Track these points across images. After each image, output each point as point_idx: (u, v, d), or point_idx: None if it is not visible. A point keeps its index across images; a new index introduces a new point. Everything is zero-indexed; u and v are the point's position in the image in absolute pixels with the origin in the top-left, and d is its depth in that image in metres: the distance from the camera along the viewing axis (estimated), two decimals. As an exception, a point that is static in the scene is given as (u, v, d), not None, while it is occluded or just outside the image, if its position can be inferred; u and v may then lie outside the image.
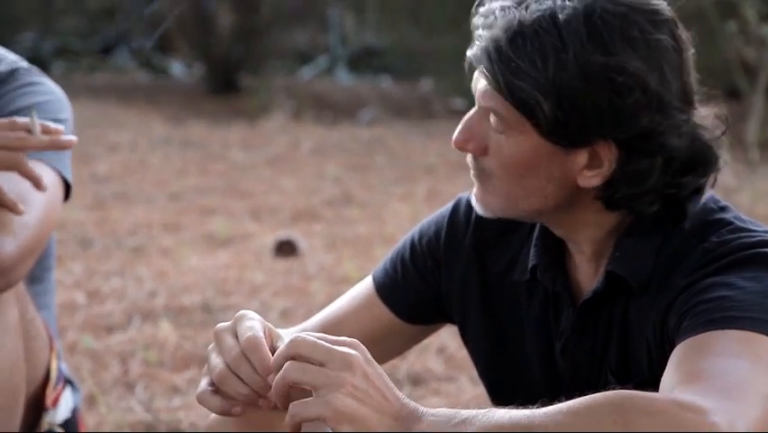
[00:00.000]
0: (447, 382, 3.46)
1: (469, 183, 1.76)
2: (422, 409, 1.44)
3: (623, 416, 1.38)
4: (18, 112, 2.11)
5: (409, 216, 5.56)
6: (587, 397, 1.41)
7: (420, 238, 1.88)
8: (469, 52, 1.66)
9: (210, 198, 6.16)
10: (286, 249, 4.91)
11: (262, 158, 7.40)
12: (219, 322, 1.61)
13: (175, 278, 4.52)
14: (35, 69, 2.23)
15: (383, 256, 1.96)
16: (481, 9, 1.66)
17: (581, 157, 1.63)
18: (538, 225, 1.77)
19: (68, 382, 2.30)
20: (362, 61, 12.10)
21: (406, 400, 1.45)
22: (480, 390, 3.30)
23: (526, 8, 1.62)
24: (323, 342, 1.45)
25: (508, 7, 1.63)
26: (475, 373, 1.82)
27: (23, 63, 2.24)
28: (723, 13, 7.36)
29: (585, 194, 1.67)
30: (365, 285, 1.92)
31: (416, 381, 3.47)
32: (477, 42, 1.65)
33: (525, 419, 1.40)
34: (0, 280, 1.91)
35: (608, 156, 1.63)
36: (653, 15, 1.63)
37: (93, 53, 12.82)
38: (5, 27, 11.89)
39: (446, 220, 1.87)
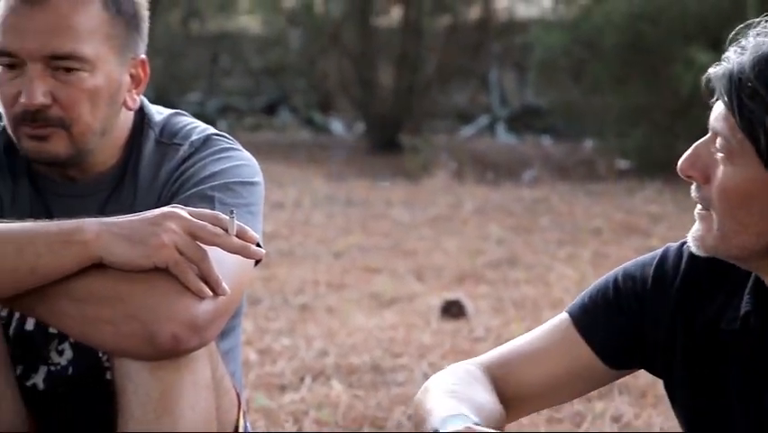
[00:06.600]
0: (623, 451, 3.39)
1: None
2: None
3: None
4: (212, 176, 2.14)
5: (575, 279, 5.49)
6: None
7: (624, 280, 1.85)
8: (711, 70, 1.68)
9: (374, 257, 6.19)
10: (453, 310, 4.89)
11: (425, 217, 7.42)
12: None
13: (343, 337, 4.53)
14: (227, 137, 2.27)
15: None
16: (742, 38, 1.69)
17: None
18: (753, 274, 1.73)
19: (251, 440, 2.32)
20: (522, 121, 12.09)
21: None
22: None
23: None
24: None
25: (761, 33, 1.66)
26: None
27: (214, 130, 2.27)
28: None
29: None
30: (560, 321, 1.89)
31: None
32: (723, 63, 1.67)
33: None
34: (195, 338, 1.93)
35: None
36: None
37: (256, 112, 13.09)
38: (174, 87, 12.24)
39: (653, 268, 1.84)
